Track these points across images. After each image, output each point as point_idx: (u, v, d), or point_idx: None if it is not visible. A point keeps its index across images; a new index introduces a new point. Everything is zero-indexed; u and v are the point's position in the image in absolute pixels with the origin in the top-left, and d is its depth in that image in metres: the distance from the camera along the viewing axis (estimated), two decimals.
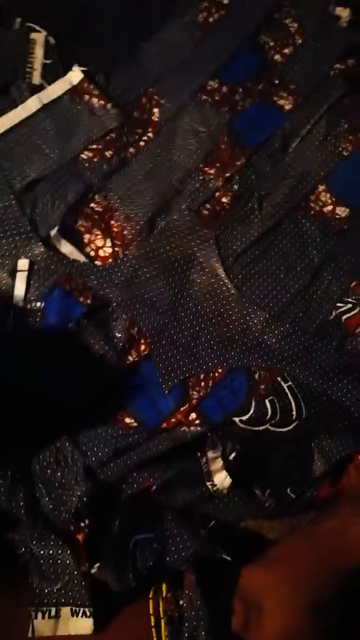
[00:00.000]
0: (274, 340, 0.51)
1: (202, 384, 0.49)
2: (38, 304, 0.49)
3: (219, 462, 0.46)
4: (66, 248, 0.52)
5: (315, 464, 0.48)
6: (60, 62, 0.59)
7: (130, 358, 0.49)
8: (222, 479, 0.46)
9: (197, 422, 0.48)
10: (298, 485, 0.48)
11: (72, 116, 0.57)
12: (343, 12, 0.59)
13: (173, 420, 0.48)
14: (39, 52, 0.59)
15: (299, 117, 0.59)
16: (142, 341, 0.50)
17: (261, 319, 0.52)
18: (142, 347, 0.50)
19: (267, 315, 0.52)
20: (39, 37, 0.59)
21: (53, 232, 0.52)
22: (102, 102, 0.58)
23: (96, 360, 0.48)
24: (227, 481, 0.46)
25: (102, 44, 0.61)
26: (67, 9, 0.60)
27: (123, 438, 0.46)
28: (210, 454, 0.47)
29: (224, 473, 0.46)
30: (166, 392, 0.48)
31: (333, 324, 0.53)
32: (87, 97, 0.58)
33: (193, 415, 0.48)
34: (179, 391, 0.49)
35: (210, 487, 0.46)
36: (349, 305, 0.53)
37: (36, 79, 0.58)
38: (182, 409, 0.48)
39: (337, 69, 0.59)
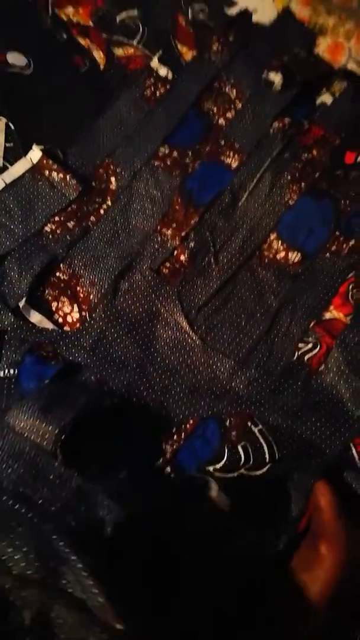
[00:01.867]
0: (241, 387, 0.53)
1: (175, 437, 0.51)
2: (12, 371, 0.52)
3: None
4: (35, 317, 0.55)
5: (294, 501, 0.49)
6: (21, 144, 0.64)
7: (106, 403, 0.51)
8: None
9: (172, 476, 0.49)
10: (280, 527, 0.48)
11: (34, 192, 0.61)
12: (276, 77, 0.65)
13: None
14: (0, 138, 0.63)
15: (245, 173, 0.63)
16: (114, 396, 0.52)
17: (227, 366, 0.54)
18: (115, 399, 0.52)
19: (232, 363, 0.54)
20: (0, 124, 0.63)
21: (22, 303, 0.55)
22: (61, 175, 0.61)
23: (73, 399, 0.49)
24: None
25: (59, 124, 0.66)
26: (25, 96, 0.65)
27: None
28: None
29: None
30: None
31: (297, 364, 0.55)
32: (47, 172, 0.62)
33: (167, 470, 0.50)
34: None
35: None
36: (310, 345, 0.56)
37: None
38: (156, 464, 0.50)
39: (276, 127, 0.64)
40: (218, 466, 0.50)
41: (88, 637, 0.36)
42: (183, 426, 0.51)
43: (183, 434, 0.51)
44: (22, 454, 0.45)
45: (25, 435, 0.46)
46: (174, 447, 0.51)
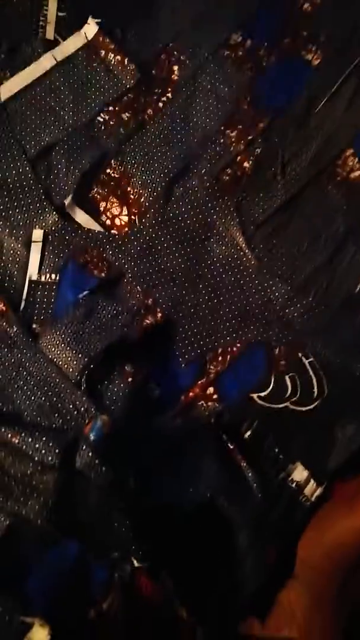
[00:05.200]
0: (295, 315, 0.50)
1: (220, 358, 0.49)
2: (53, 276, 0.48)
3: None
4: (81, 217, 0.51)
5: (337, 450, 0.46)
6: (76, 14, 0.56)
7: (147, 322, 0.48)
8: None
9: (215, 397, 0.48)
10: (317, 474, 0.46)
11: (87, 75, 0.55)
12: None
13: (191, 394, 0.48)
14: (52, 5, 0.55)
15: (327, 74, 0.55)
16: (158, 309, 0.49)
17: (282, 291, 0.50)
18: (159, 314, 0.49)
19: (289, 288, 0.50)
20: None
21: (67, 200, 0.50)
22: (119, 57, 0.54)
23: (108, 321, 0.47)
24: None
25: None
26: None
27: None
28: None
29: None
30: (183, 365, 0.48)
31: (358, 297, 0.51)
32: (103, 52, 0.55)
33: (211, 390, 0.48)
34: (196, 365, 0.48)
35: None
36: None
37: (49, 34, 0.55)
38: (199, 382, 0.48)
39: None
40: (263, 394, 0.48)
41: (110, 512, 0.37)
42: (229, 349, 0.49)
43: (229, 356, 0.49)
44: (47, 382, 0.44)
45: (55, 361, 0.45)
46: (218, 368, 0.48)
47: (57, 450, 0.39)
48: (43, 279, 0.48)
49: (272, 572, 0.41)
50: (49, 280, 0.48)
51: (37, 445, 0.39)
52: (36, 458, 0.39)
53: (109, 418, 0.40)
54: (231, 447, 0.45)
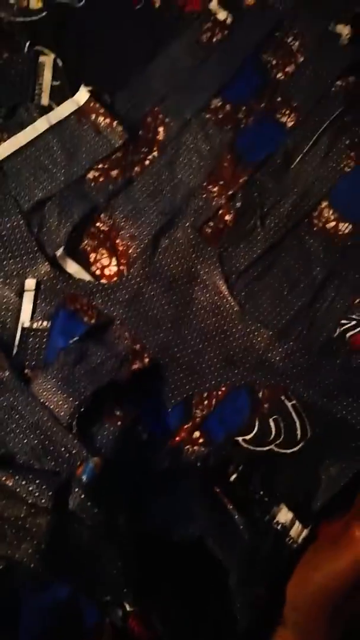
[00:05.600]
0: (277, 358, 0.52)
1: (206, 402, 0.50)
2: (44, 323, 0.50)
3: None
4: (72, 268, 0.53)
5: (322, 491, 0.47)
6: (68, 83, 0.60)
7: (135, 366, 0.50)
8: None
9: (201, 441, 0.49)
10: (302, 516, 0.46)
11: (79, 136, 0.58)
12: (344, 30, 0.60)
13: (177, 438, 0.49)
14: (47, 75, 0.60)
15: (301, 134, 0.59)
16: (145, 355, 0.51)
17: (264, 336, 0.52)
18: (146, 359, 0.50)
19: (270, 333, 0.52)
20: (48, 59, 0.60)
21: (59, 252, 0.53)
22: (107, 120, 0.58)
23: (98, 366, 0.48)
24: None
25: (108, 64, 0.62)
26: (74, 32, 0.62)
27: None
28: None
29: None
30: (169, 409, 0.49)
31: (337, 341, 0.53)
32: (93, 116, 0.59)
33: (197, 434, 0.49)
34: (182, 409, 0.50)
35: None
36: (353, 322, 0.54)
37: (44, 100, 0.60)
38: (185, 426, 0.49)
39: (338, 86, 0.60)
40: (247, 437, 0.49)
41: (102, 554, 0.37)
42: (214, 392, 0.50)
43: (214, 400, 0.50)
44: (38, 426, 0.45)
45: (46, 404, 0.46)
46: (204, 412, 0.50)
47: (50, 493, 0.39)
48: (35, 326, 0.50)
49: (262, 613, 0.41)
50: (41, 327, 0.50)
51: (30, 488, 0.40)
52: (29, 501, 0.39)
53: (101, 460, 0.41)
54: (217, 490, 0.45)
